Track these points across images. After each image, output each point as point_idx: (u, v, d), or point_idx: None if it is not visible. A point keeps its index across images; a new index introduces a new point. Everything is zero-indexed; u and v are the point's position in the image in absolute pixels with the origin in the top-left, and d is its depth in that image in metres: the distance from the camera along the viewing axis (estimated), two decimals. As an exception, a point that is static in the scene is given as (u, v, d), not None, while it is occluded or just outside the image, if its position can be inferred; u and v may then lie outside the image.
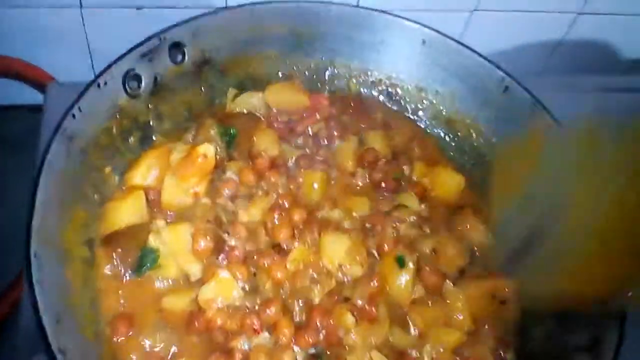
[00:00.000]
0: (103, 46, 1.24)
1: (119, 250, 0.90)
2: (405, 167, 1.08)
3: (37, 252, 0.76)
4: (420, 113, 1.18)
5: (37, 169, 0.83)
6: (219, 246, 0.92)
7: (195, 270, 0.91)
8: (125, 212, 0.93)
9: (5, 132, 1.36)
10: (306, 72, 1.16)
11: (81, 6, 1.20)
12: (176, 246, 0.90)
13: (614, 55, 1.59)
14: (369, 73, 1.17)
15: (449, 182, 1.06)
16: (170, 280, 0.90)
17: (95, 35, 1.26)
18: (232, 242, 0.93)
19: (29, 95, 1.33)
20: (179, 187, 0.97)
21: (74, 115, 0.88)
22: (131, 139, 1.00)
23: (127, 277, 0.89)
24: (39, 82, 1.26)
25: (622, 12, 1.46)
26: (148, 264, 0.89)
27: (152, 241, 0.89)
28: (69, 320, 0.77)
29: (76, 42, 1.27)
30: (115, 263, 0.90)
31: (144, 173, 0.98)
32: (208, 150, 0.97)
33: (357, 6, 1.15)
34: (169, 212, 0.96)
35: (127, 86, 0.96)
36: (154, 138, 1.04)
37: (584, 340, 0.84)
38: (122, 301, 0.88)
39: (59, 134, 0.86)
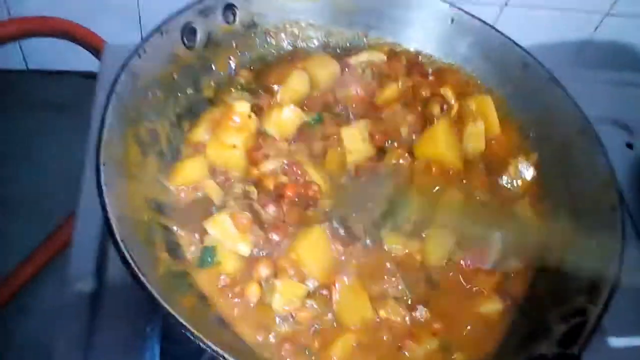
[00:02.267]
0: (154, 16, 1.34)
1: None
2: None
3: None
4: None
5: (106, 98, 0.92)
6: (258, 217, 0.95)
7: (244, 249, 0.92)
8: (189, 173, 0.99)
9: (58, 97, 1.47)
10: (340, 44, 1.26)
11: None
12: (224, 236, 0.92)
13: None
14: (399, 48, 1.27)
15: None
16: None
17: (146, 5, 1.37)
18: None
19: (82, 62, 1.44)
20: (220, 143, 1.01)
21: (139, 55, 0.99)
22: (189, 91, 1.09)
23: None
24: (95, 45, 1.37)
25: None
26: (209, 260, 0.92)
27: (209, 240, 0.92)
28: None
29: (128, 11, 1.38)
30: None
31: (203, 131, 1.04)
32: (242, 108, 1.02)
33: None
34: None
35: (184, 38, 1.07)
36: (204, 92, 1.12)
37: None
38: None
39: (126, 69, 0.96)
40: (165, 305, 0.76)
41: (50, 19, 1.34)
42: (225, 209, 0.93)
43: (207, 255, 0.92)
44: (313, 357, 0.87)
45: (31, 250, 1.26)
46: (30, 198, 1.31)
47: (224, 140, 1.00)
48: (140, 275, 0.77)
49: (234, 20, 1.14)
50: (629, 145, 1.45)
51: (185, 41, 1.07)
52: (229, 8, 1.12)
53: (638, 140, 1.45)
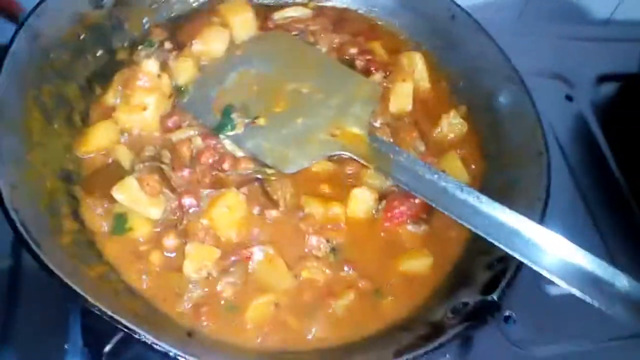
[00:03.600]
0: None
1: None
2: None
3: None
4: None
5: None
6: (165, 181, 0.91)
7: (154, 212, 0.89)
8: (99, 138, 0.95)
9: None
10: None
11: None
12: (133, 201, 0.88)
13: (584, 13, 1.67)
14: (325, 3, 1.23)
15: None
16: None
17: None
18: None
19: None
20: (131, 106, 0.96)
21: (38, 15, 0.93)
22: (99, 52, 1.03)
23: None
24: (10, 11, 1.30)
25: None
26: (120, 227, 0.88)
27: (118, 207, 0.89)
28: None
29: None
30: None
31: (113, 95, 0.99)
32: (150, 66, 0.97)
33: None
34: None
35: (91, -3, 1.01)
36: (118, 54, 1.07)
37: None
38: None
39: (23, 29, 0.90)
40: (60, 274, 0.72)
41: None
42: (134, 173, 0.88)
43: (118, 222, 0.88)
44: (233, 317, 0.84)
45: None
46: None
47: (134, 102, 0.95)
48: (31, 243, 0.72)
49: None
50: (569, 98, 1.43)
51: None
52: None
53: (577, 92, 1.44)
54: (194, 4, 1.16)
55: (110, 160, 0.94)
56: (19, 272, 0.95)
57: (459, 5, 1.14)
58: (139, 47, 1.04)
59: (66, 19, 0.98)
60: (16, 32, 0.90)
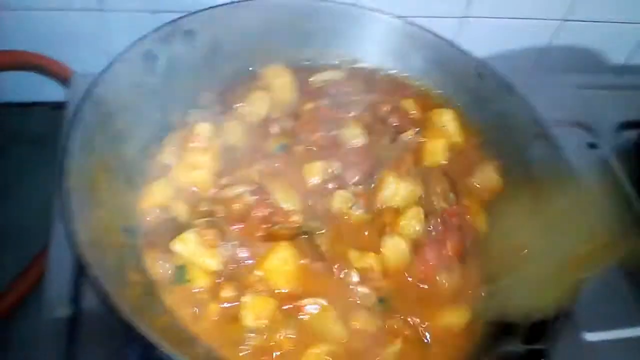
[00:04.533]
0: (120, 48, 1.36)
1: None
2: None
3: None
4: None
5: (68, 128, 0.94)
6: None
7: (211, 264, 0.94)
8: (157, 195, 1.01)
9: (26, 129, 1.47)
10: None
11: (102, 10, 1.34)
12: (191, 254, 0.94)
13: (598, 61, 1.73)
14: (358, 63, 1.30)
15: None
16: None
17: (113, 38, 1.39)
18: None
19: (50, 93, 1.45)
20: (185, 165, 1.04)
21: (101, 84, 1.01)
22: (156, 115, 1.11)
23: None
24: (61, 75, 1.39)
25: (605, 19, 1.60)
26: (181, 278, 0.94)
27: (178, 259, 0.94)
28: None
29: (95, 44, 1.39)
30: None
31: (169, 154, 1.07)
32: (202, 128, 1.06)
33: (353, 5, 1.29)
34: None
35: (146, 65, 1.09)
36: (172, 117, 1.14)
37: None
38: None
39: (88, 98, 0.98)
40: (139, 326, 0.77)
41: (16, 52, 1.36)
42: (192, 228, 0.94)
43: (179, 274, 0.94)
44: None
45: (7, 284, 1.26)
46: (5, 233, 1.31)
47: (188, 161, 1.03)
48: (111, 298, 0.78)
49: (195, 44, 1.16)
50: (592, 145, 1.48)
51: (147, 68, 1.10)
52: (189, 33, 1.15)
53: (600, 139, 1.48)
54: (239, 70, 1.23)
55: (167, 216, 1.00)
56: (78, 321, 1.00)
57: (486, 65, 1.21)
58: (191, 110, 1.11)
59: (125, 87, 1.06)
60: (83, 101, 0.97)
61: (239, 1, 1.20)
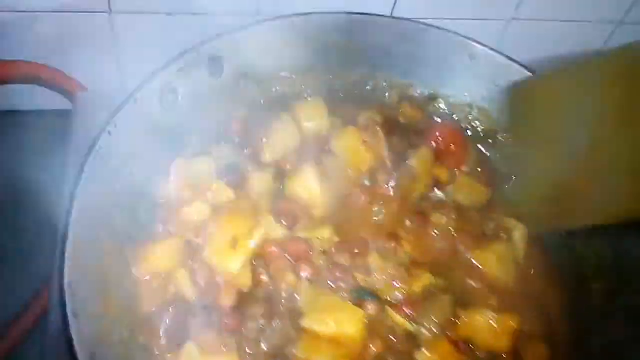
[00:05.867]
0: (132, 52, 1.20)
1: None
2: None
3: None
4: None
5: (69, 202, 0.79)
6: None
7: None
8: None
9: (32, 137, 1.33)
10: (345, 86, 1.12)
11: (110, 12, 1.16)
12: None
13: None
14: (412, 87, 1.12)
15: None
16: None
17: (124, 41, 1.22)
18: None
19: (56, 101, 1.30)
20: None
21: (109, 132, 0.85)
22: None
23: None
24: (68, 90, 1.22)
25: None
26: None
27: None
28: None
29: (105, 48, 1.23)
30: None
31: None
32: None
33: (399, 18, 1.10)
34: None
35: (163, 100, 0.92)
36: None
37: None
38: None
39: (94, 153, 0.82)
40: None
41: (15, 64, 1.19)
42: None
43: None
44: None
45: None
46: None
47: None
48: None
49: (221, 73, 0.98)
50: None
51: (164, 104, 0.92)
52: (216, 60, 0.97)
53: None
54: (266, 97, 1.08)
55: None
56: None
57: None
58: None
59: (139, 130, 0.90)
60: (85, 160, 0.82)
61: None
